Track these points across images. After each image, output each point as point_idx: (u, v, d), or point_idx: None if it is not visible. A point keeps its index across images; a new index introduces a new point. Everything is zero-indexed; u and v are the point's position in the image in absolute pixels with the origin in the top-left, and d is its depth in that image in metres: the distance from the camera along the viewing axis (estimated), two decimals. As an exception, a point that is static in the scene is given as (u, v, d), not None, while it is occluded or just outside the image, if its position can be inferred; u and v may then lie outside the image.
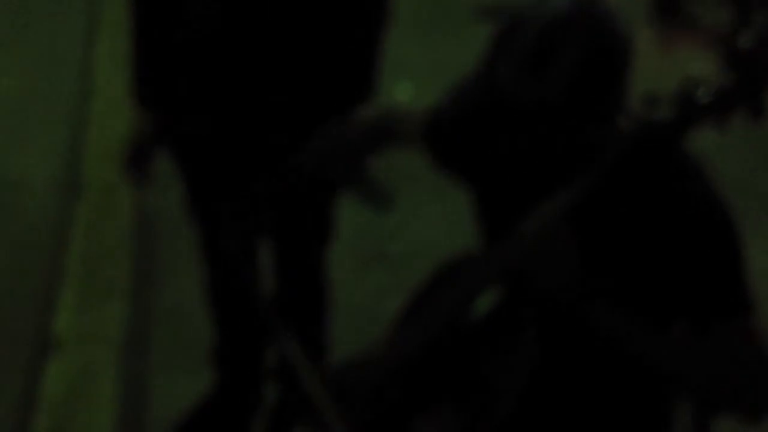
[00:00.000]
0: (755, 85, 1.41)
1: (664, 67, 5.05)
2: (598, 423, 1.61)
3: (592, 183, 1.42)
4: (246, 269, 1.78)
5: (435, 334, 1.52)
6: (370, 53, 2.24)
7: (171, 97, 2.30)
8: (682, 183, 1.47)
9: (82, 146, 4.49)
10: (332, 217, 2.48)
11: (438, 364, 1.53)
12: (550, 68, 1.36)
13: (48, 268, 3.51)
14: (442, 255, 1.57)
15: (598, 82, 1.39)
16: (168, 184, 2.78)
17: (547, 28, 1.37)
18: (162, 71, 2.29)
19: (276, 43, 2.15)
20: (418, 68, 5.26)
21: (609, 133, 1.46)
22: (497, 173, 1.61)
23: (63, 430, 2.71)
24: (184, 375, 2.93)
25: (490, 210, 1.70)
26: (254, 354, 2.72)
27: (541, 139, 1.44)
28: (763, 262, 3.47)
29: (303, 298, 2.60)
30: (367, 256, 3.62)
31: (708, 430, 1.64)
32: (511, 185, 1.58)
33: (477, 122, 1.54)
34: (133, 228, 3.79)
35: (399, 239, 3.70)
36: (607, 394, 1.59)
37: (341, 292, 2.79)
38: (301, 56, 2.18)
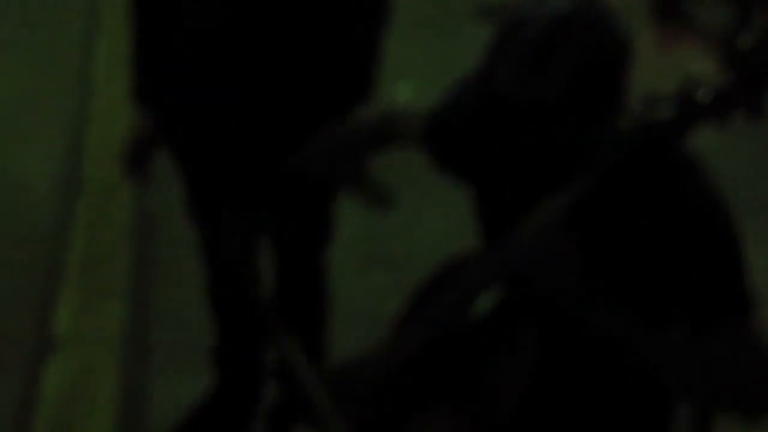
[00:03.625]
0: (754, 85, 1.41)
1: (664, 67, 5.07)
2: (599, 423, 1.61)
3: (591, 183, 1.42)
4: (246, 269, 1.78)
5: (435, 334, 1.51)
6: (370, 51, 2.23)
7: (170, 97, 2.29)
8: (682, 183, 1.46)
9: (83, 147, 4.50)
10: (332, 217, 2.48)
11: (438, 365, 1.53)
12: (551, 67, 1.36)
13: (48, 268, 3.52)
14: (442, 257, 1.58)
15: (598, 82, 1.39)
16: (167, 184, 2.79)
17: (549, 27, 1.37)
18: (162, 71, 2.28)
19: (275, 43, 2.14)
20: (419, 68, 5.28)
21: (609, 133, 1.45)
22: (496, 174, 1.61)
23: (62, 430, 2.71)
24: (183, 375, 2.94)
25: (490, 210, 1.69)
26: (253, 354, 2.72)
27: (541, 139, 1.44)
28: (764, 263, 3.50)
29: (303, 298, 2.60)
30: (368, 257, 3.63)
31: (708, 430, 1.64)
32: (510, 185, 1.57)
33: (476, 121, 1.54)
34: (133, 228, 3.79)
35: (399, 241, 3.71)
36: (608, 394, 1.59)
37: (343, 293, 2.81)
38: (301, 55, 2.17)
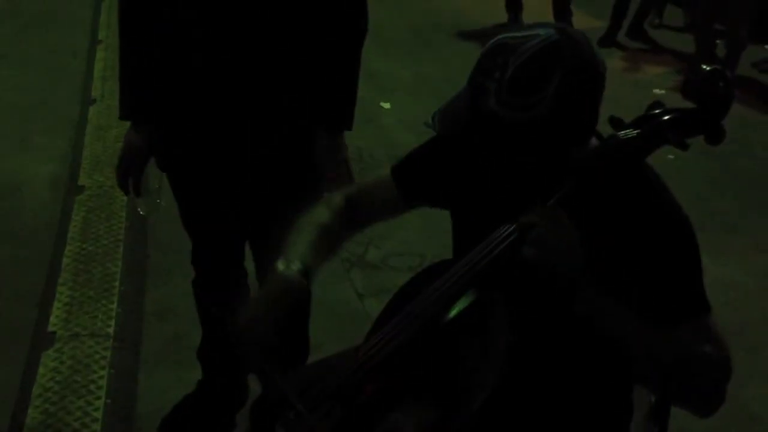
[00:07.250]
0: (713, 112, 1.50)
1: (630, 89, 5.16)
2: (568, 409, 1.67)
3: (564, 198, 1.48)
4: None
5: (414, 332, 1.54)
6: (348, 68, 2.29)
7: (159, 109, 2.31)
8: (647, 197, 1.54)
9: (81, 152, 4.54)
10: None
11: (415, 361, 1.54)
12: (540, 89, 1.42)
13: (45, 267, 3.56)
14: (418, 262, 1.59)
15: (578, 103, 1.47)
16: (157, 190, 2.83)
17: (539, 52, 1.43)
18: (149, 85, 2.30)
19: (259, 59, 2.19)
20: (404, 82, 5.44)
21: (582, 151, 1.52)
22: (474, 192, 1.66)
23: (56, 422, 2.72)
24: (170, 371, 3.01)
25: (466, 224, 1.76)
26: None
27: (524, 156, 1.50)
28: (721, 276, 3.59)
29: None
30: (349, 261, 3.70)
31: (667, 416, 1.73)
32: (487, 202, 1.62)
33: (463, 140, 1.55)
34: (126, 230, 3.83)
35: (378, 246, 3.77)
36: (576, 382, 1.64)
37: (325, 294, 2.87)
38: (282, 71, 2.22)
